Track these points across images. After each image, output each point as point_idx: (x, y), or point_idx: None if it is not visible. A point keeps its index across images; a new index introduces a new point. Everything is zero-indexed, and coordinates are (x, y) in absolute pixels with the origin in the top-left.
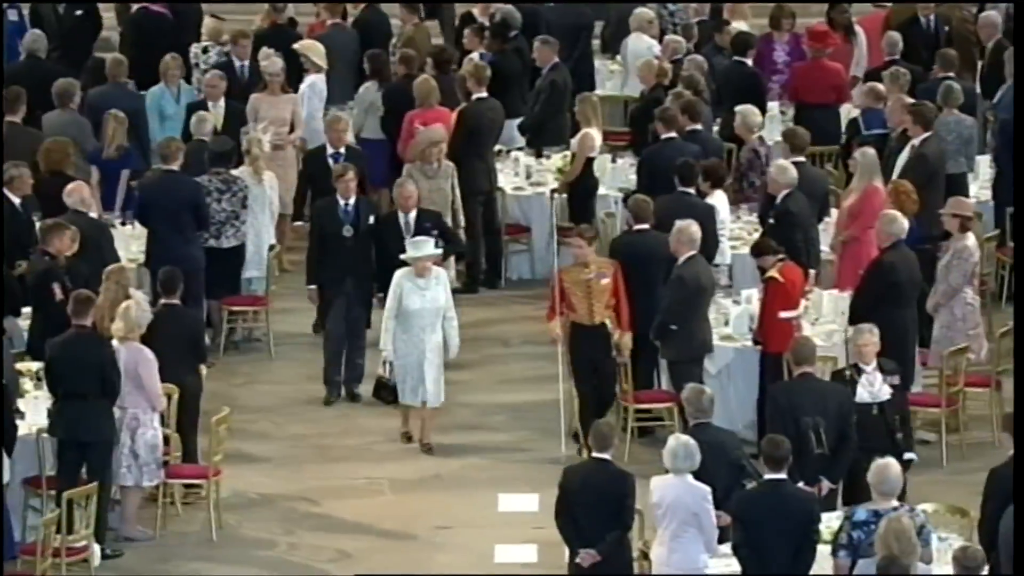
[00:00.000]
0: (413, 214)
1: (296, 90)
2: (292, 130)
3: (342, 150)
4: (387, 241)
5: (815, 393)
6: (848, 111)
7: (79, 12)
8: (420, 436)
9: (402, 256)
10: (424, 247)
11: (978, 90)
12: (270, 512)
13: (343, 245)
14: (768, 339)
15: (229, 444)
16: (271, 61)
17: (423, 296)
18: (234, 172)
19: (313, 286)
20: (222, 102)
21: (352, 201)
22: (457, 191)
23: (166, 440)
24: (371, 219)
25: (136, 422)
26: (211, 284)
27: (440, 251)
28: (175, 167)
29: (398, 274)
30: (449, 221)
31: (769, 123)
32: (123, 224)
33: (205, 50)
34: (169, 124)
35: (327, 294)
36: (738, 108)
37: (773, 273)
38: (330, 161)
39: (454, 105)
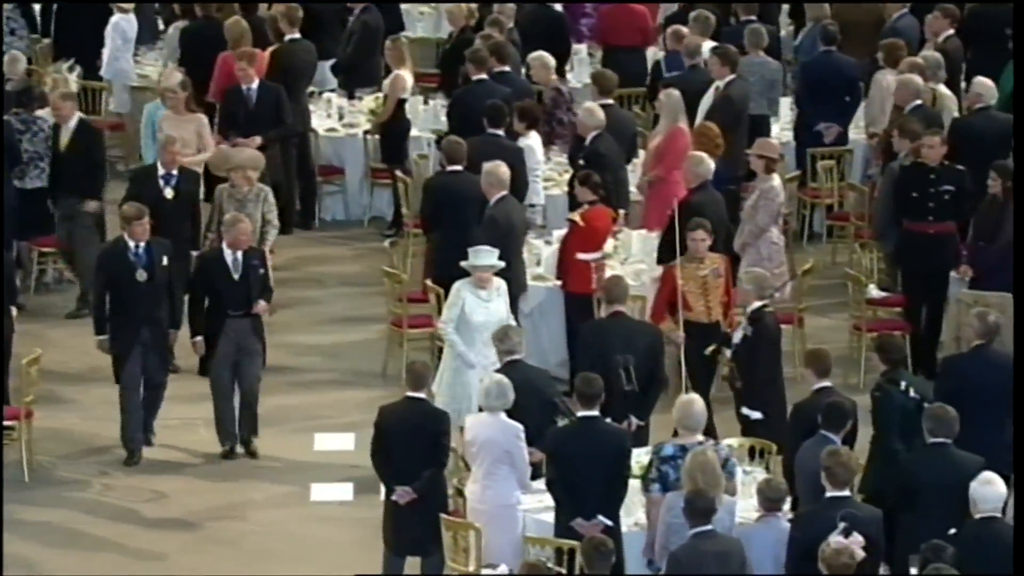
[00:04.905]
0: (241, 252)
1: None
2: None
3: (174, 171)
4: (212, 281)
5: (625, 332)
6: (655, 54)
7: None
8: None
9: (463, 264)
10: (488, 256)
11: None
12: (84, 453)
13: (137, 291)
14: (567, 278)
15: (42, 386)
16: (170, 75)
17: (487, 308)
18: (39, 113)
19: (104, 336)
20: (72, 121)
21: (143, 244)
22: (271, 215)
23: None
24: (164, 260)
25: None
26: (19, 225)
27: (503, 263)
28: None
29: (458, 284)
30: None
31: (578, 65)
32: None
33: None
34: None
35: (119, 345)
36: (530, 57)
37: (575, 216)
38: (161, 183)
39: (263, 46)
